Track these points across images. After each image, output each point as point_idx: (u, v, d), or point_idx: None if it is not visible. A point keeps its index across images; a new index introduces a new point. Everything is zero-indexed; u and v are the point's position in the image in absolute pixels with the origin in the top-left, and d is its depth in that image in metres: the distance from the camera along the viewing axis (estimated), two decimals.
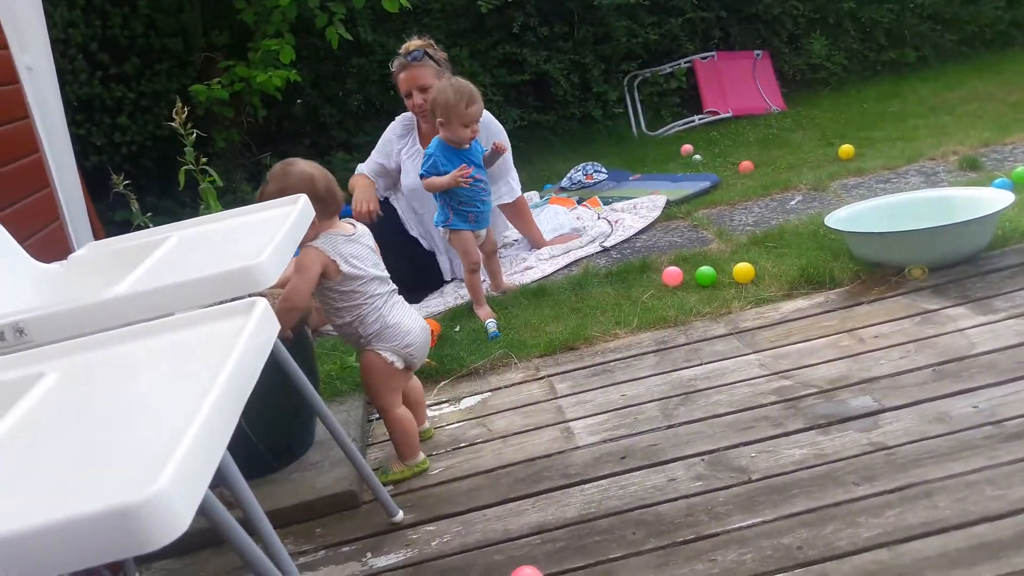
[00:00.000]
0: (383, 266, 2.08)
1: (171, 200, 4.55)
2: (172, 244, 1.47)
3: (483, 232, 3.04)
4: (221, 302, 1.13)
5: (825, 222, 2.83)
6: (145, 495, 0.61)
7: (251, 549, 1.08)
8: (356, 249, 2.01)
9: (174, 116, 2.23)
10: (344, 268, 1.94)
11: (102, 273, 1.45)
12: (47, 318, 1.20)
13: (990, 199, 2.68)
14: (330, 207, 1.95)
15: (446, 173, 2.89)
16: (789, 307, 2.61)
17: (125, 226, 3.60)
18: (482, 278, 3.16)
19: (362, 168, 3.69)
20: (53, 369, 0.97)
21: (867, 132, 4.50)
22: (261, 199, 1.88)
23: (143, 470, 0.64)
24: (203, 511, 0.95)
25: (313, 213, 1.60)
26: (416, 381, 2.28)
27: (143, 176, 4.60)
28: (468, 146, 2.94)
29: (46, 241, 2.03)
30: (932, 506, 1.61)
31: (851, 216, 2.86)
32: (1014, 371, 2.00)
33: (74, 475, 0.70)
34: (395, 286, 2.11)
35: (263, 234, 1.33)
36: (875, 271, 2.67)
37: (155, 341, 0.98)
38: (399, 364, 2.07)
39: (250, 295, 1.16)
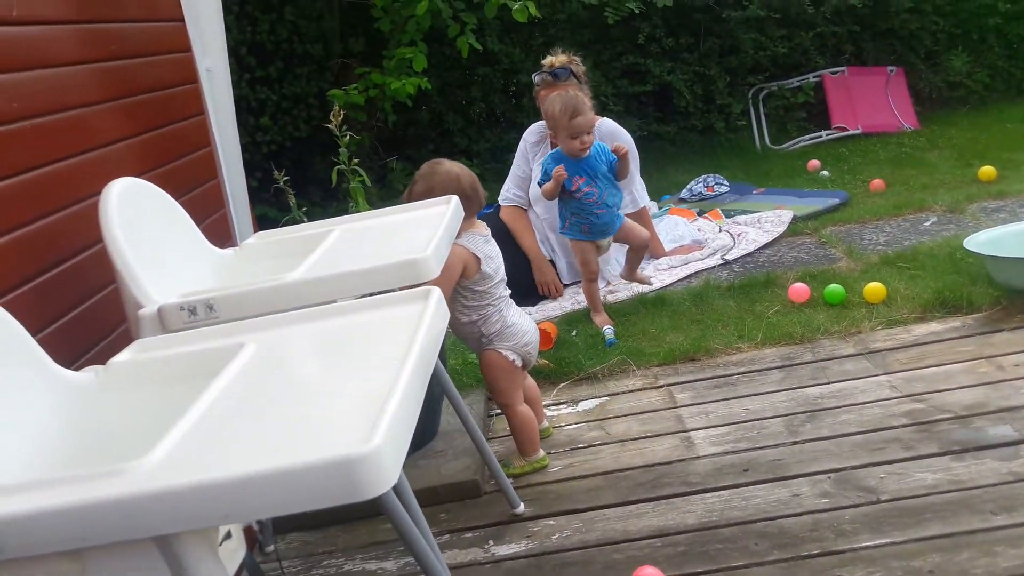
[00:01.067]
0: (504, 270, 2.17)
1: (303, 198, 4.81)
2: (337, 236, 1.59)
3: (606, 242, 3.06)
4: (390, 291, 1.23)
5: (964, 245, 2.74)
6: (367, 449, 0.70)
7: (406, 522, 1.16)
8: (492, 251, 2.10)
9: (331, 119, 2.39)
10: (484, 267, 2.04)
11: (275, 259, 1.59)
12: (234, 297, 1.34)
13: None
14: (473, 206, 2.05)
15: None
16: (922, 330, 2.54)
17: (263, 221, 3.85)
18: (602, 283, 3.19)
19: (507, 195, 3.73)
20: (252, 341, 1.09)
21: (1010, 154, 4.29)
22: (410, 198, 2.00)
23: (361, 428, 0.73)
24: (383, 509, 1.03)
25: (463, 213, 1.69)
26: (532, 381, 2.35)
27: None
28: (584, 154, 2.93)
29: (212, 227, 2.20)
30: None
31: (992, 240, 2.75)
32: None
33: (295, 429, 0.80)
34: (509, 289, 2.19)
35: (423, 230, 1.43)
36: (1017, 298, 2.56)
37: (343, 320, 1.08)
38: (518, 362, 2.16)
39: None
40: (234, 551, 1.07)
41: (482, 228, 2.12)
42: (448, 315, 1.12)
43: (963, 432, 1.98)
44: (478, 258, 2.04)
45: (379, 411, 0.76)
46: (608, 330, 2.90)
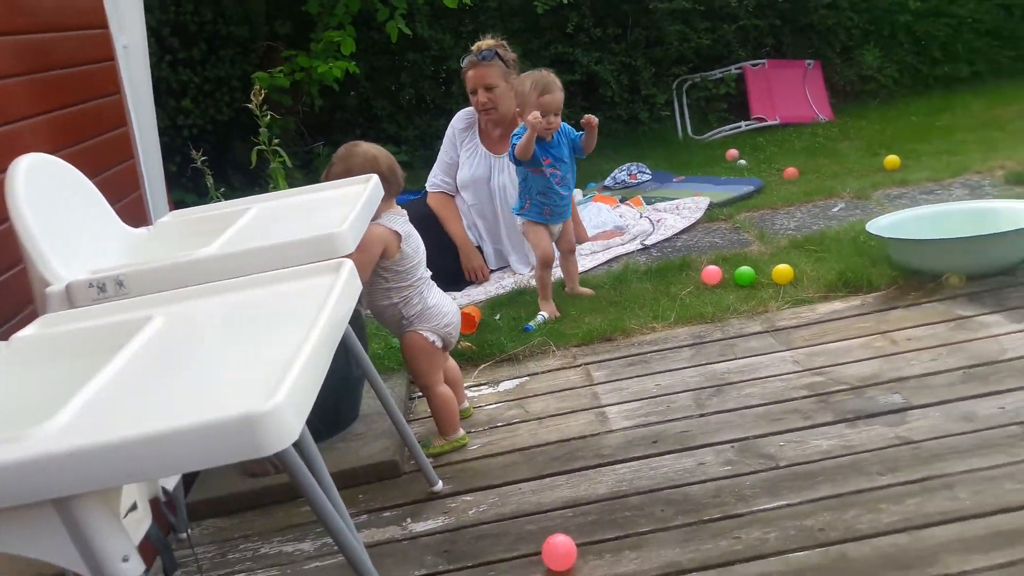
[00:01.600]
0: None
1: (224, 182, 4.74)
2: (253, 214, 1.60)
3: (557, 228, 3.04)
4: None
5: (867, 228, 2.89)
6: (268, 406, 0.74)
7: (322, 501, 1.18)
8: (411, 230, 2.13)
9: (252, 98, 2.38)
10: (404, 246, 2.07)
11: (189, 237, 1.60)
12: (145, 273, 1.34)
13: None
14: (392, 188, 2.07)
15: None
16: (825, 308, 2.68)
17: (181, 206, 3.78)
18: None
19: (434, 182, 3.74)
20: (160, 314, 1.10)
21: (914, 145, 4.52)
22: (327, 179, 2.02)
23: (263, 387, 0.77)
24: (284, 464, 1.05)
25: (383, 192, 1.72)
26: (453, 362, 2.40)
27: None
28: (550, 138, 2.93)
29: (126, 210, 2.18)
30: (952, 497, 1.69)
31: (893, 224, 2.92)
32: None
33: (199, 392, 0.83)
34: (429, 271, 2.22)
35: (339, 207, 1.46)
36: (913, 278, 2.73)
37: (253, 292, 1.11)
38: (438, 343, 2.20)
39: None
40: (139, 521, 1.09)
41: (400, 211, 2.15)
42: (360, 287, 1.15)
43: (857, 401, 2.11)
44: (399, 235, 2.06)
45: (282, 373, 0.80)
46: (541, 316, 2.92)
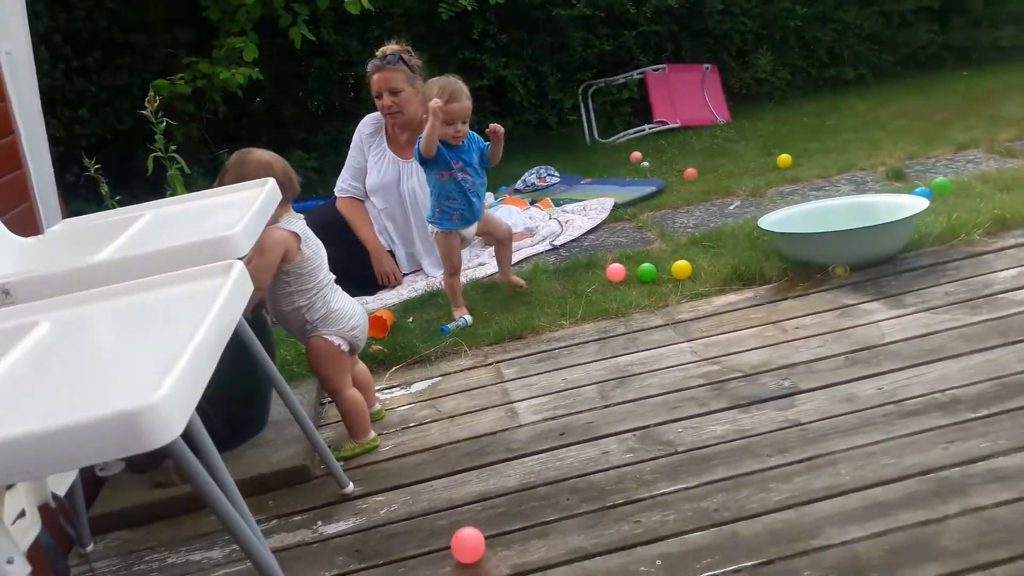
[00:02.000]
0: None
1: (126, 192, 4.59)
2: (147, 220, 1.58)
3: (469, 232, 3.04)
4: None
5: (759, 224, 3.03)
6: (149, 401, 0.75)
7: (226, 507, 1.18)
8: (310, 233, 2.14)
9: (146, 105, 2.33)
10: (304, 248, 2.07)
11: (81, 245, 1.57)
12: (32, 281, 1.32)
13: (908, 205, 2.92)
14: (288, 192, 2.07)
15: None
16: (721, 301, 2.80)
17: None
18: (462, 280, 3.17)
19: (343, 187, 3.73)
20: (46, 320, 1.09)
21: (805, 144, 4.76)
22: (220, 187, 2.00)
23: (144, 384, 0.78)
24: (187, 473, 1.05)
25: (279, 196, 1.73)
26: (363, 365, 2.41)
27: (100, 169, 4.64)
28: (461, 144, 2.90)
29: (16, 220, 2.11)
30: (835, 473, 1.80)
31: (783, 219, 3.07)
32: (916, 358, 2.22)
33: (83, 389, 0.83)
34: (333, 275, 2.23)
35: (234, 211, 1.46)
36: (802, 269, 2.88)
37: (141, 296, 1.10)
38: (344, 347, 2.21)
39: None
40: (27, 528, 1.07)
41: (296, 215, 2.15)
42: (252, 288, 1.16)
43: (749, 388, 2.22)
44: (298, 237, 2.07)
45: (167, 368, 0.81)
46: (464, 320, 2.93)
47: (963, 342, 2.26)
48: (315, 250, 2.13)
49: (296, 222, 2.09)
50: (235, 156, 2.09)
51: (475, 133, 2.99)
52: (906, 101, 5.48)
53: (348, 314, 2.20)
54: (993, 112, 4.78)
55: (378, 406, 2.46)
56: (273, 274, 2.08)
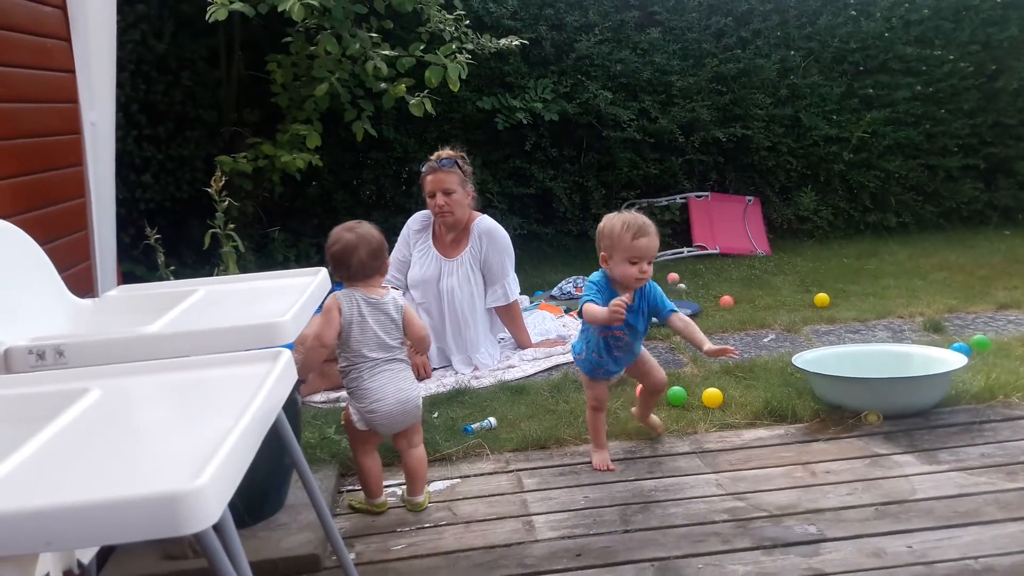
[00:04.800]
0: (398, 334, 2.29)
1: (176, 259, 4.73)
2: (200, 296, 1.63)
3: (614, 377, 2.70)
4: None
5: (792, 361, 3.02)
6: (191, 486, 0.76)
7: (225, 566, 1.17)
8: (364, 311, 2.24)
9: (212, 183, 2.44)
10: (341, 320, 2.22)
11: (133, 312, 1.62)
12: (86, 345, 1.36)
13: (946, 360, 2.89)
14: (367, 270, 2.27)
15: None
16: (751, 435, 2.76)
17: (130, 278, 3.77)
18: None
19: (386, 277, 3.81)
20: (97, 387, 1.12)
21: (843, 285, 4.77)
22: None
23: (188, 468, 0.79)
24: (210, 559, 1.05)
25: (329, 285, 1.78)
26: (418, 453, 2.41)
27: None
28: (639, 285, 2.50)
29: (74, 278, 2.19)
30: None
31: (818, 359, 3.05)
32: (949, 519, 2.15)
33: (126, 466, 0.84)
34: (404, 359, 2.32)
35: (285, 297, 1.50)
36: (834, 412, 2.85)
37: (190, 374, 1.13)
38: (361, 425, 2.30)
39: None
40: None
41: (376, 291, 2.28)
42: (296, 377, 1.19)
43: (774, 529, 2.16)
44: (339, 307, 2.21)
45: (209, 455, 0.83)
46: (489, 422, 2.88)
47: (998, 508, 2.20)
48: (358, 325, 2.24)
49: (357, 298, 2.25)
50: (341, 228, 2.28)
51: (654, 282, 2.59)
52: (948, 253, 5.49)
53: (374, 396, 2.27)
54: None
55: (421, 497, 2.42)
56: (332, 332, 2.22)
